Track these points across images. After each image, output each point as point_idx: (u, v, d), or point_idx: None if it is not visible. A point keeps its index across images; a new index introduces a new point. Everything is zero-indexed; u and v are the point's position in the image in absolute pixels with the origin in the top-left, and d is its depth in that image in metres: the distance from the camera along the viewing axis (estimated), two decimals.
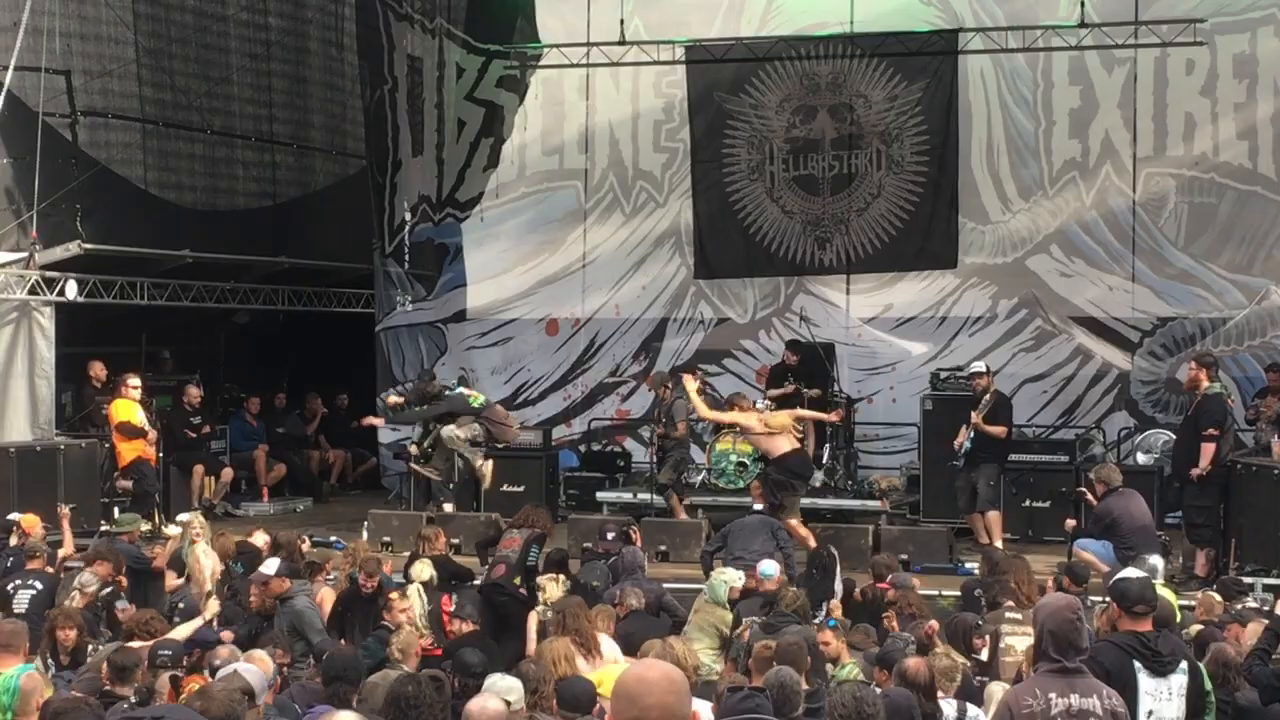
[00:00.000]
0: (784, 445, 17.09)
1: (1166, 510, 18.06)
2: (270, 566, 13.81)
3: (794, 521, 16.75)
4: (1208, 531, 16.36)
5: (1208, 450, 16.14)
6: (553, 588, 14.50)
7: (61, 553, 16.14)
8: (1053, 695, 6.92)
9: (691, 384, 17.97)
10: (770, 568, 14.25)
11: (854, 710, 8.26)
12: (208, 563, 14.51)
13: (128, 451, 19.41)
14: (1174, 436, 18.20)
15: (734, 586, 14.24)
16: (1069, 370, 21.73)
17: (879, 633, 12.66)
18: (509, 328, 24.01)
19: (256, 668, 9.62)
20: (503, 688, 9.09)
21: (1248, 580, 15.03)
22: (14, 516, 16.17)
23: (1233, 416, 17.19)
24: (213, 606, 13.37)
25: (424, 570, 14.64)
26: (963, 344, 21.92)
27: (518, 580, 15.08)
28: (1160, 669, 7.81)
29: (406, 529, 18.09)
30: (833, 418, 19.38)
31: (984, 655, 12.37)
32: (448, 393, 19.61)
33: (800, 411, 18.47)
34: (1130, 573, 8.59)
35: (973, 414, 17.86)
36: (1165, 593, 12.04)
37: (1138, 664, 7.78)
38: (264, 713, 9.18)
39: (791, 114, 22.82)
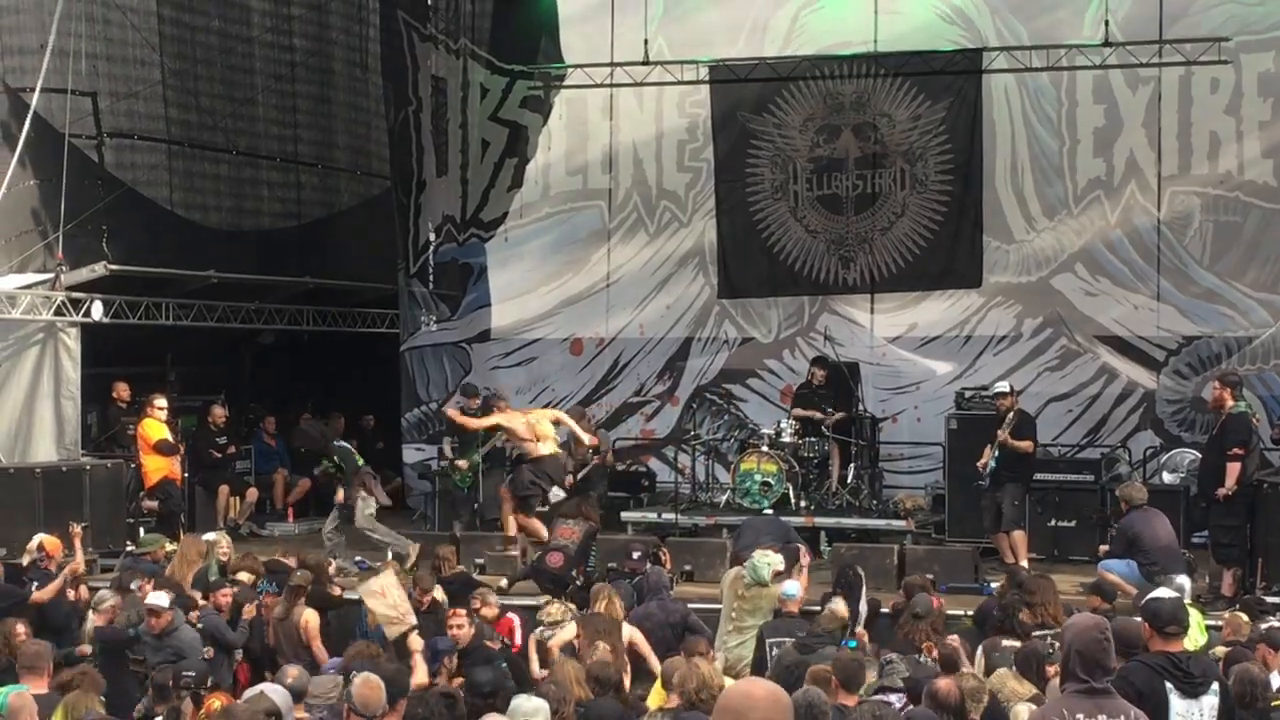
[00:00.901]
0: (542, 449, 18.37)
1: (1193, 530, 17.98)
2: (160, 599, 13.56)
3: (527, 517, 18.18)
4: (1235, 551, 16.28)
5: (1233, 470, 16.07)
6: (556, 609, 14.36)
7: (70, 568, 16.07)
8: (1080, 716, 6.89)
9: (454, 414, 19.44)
10: (793, 588, 14.21)
11: None
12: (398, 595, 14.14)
13: (154, 472, 19.44)
14: (1200, 455, 18.13)
15: (776, 568, 14.37)
16: (1094, 389, 21.65)
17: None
18: (533, 348, 24.01)
19: (283, 688, 9.63)
20: (528, 709, 9.09)
21: (1272, 600, 14.97)
22: (39, 538, 16.18)
23: (1258, 435, 17.10)
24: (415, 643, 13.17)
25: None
26: (987, 363, 21.87)
27: (575, 573, 16.08)
28: (1191, 690, 7.77)
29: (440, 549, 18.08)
30: (590, 440, 19.81)
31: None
32: (337, 443, 19.83)
33: (562, 415, 19.32)
34: (1162, 593, 8.55)
35: (998, 432, 17.80)
36: (1193, 613, 11.98)
37: (1169, 685, 7.74)
38: None
39: (815, 133, 22.81)
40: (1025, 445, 17.84)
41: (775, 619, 13.88)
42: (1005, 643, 12.24)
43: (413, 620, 13.62)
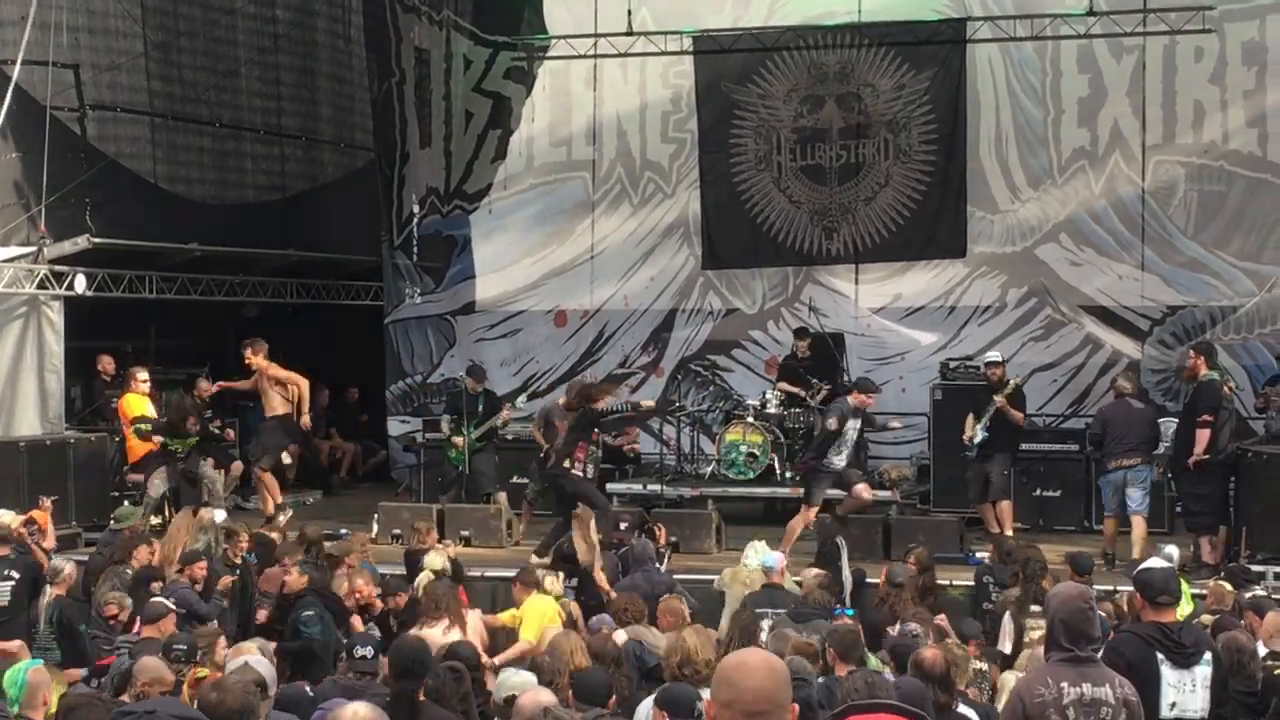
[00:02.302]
0: (277, 407, 19.31)
1: (1174, 500, 18.08)
2: None
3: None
4: (1207, 519, 16.34)
5: (1202, 437, 16.12)
6: (553, 582, 14.31)
7: (46, 544, 16.03)
8: (1064, 684, 6.90)
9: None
10: (773, 559, 14.23)
11: (867, 698, 8.23)
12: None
13: (138, 446, 19.38)
14: None
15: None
16: (1079, 359, 21.68)
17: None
18: (518, 319, 23.97)
19: (267, 660, 9.64)
20: (516, 683, 9.08)
21: (1257, 569, 15.01)
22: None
23: (1230, 403, 17.08)
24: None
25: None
26: (972, 333, 21.89)
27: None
28: (1183, 660, 7.77)
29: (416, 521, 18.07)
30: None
31: (1008, 648, 12.39)
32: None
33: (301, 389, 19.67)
34: (1154, 563, 8.56)
35: (996, 396, 17.75)
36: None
37: (1160, 655, 7.74)
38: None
39: (799, 104, 22.77)
40: (1018, 417, 17.87)
41: (760, 590, 13.92)
42: (1035, 608, 12.27)
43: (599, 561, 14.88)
